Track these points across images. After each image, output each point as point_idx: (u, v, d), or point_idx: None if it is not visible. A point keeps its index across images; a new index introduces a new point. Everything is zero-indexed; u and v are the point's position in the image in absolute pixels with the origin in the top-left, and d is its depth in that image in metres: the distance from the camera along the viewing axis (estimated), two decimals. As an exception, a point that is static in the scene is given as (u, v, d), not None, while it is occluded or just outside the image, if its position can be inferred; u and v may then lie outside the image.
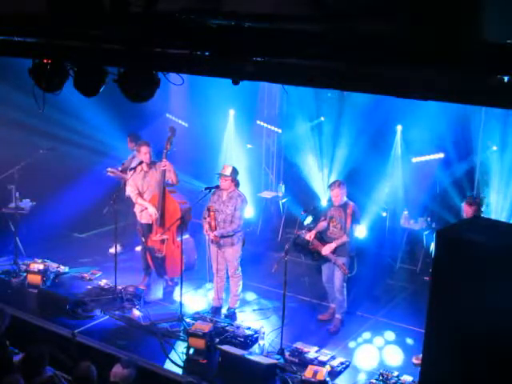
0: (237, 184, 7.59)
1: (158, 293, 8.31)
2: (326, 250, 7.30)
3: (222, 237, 7.50)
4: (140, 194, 8.13)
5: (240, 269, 7.70)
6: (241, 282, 7.77)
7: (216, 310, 7.71)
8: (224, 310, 7.75)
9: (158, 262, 8.13)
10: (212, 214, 7.47)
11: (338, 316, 7.49)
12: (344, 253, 7.31)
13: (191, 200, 8.08)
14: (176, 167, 8.13)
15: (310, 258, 7.71)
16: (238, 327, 7.17)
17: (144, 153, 8.01)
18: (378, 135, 9.43)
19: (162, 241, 8.02)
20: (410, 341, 7.17)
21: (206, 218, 7.54)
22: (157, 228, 8.05)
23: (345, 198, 7.35)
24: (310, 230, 7.49)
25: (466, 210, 6.51)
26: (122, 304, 7.70)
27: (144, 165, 8.06)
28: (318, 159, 10.31)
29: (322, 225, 7.45)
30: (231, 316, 7.63)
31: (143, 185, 8.16)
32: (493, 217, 8.09)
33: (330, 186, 7.40)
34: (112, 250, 9.12)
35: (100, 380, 5.34)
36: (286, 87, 5.22)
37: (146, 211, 8.15)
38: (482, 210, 6.62)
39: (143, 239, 8.26)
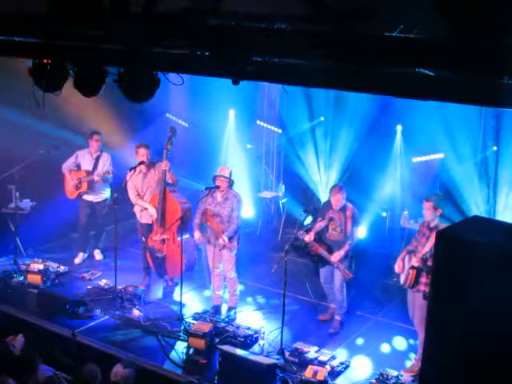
0: (231, 184, 7.61)
1: (158, 293, 8.31)
2: (336, 257, 7.28)
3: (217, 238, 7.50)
4: (139, 195, 8.16)
5: (235, 268, 7.68)
6: (237, 281, 7.76)
7: (217, 309, 7.72)
8: (224, 310, 7.76)
9: (159, 262, 8.13)
10: (211, 218, 7.48)
11: (337, 317, 7.50)
12: (344, 256, 7.33)
13: (191, 200, 8.09)
14: (176, 167, 8.15)
15: (310, 260, 7.70)
16: (238, 327, 7.16)
17: (142, 155, 8.04)
18: (378, 135, 9.42)
19: (163, 240, 8.02)
20: (410, 341, 7.18)
21: (206, 223, 7.54)
22: (157, 228, 8.05)
23: (344, 201, 7.36)
24: (307, 231, 7.47)
25: (425, 207, 6.46)
26: (122, 304, 7.70)
27: (143, 166, 8.08)
28: (318, 159, 10.31)
29: (320, 225, 7.45)
30: (231, 315, 7.64)
31: (143, 186, 8.18)
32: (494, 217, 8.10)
33: (331, 191, 7.39)
34: (98, 257, 9.30)
35: (101, 380, 5.35)
36: (285, 87, 5.22)
37: (146, 211, 8.16)
38: (441, 206, 6.55)
39: (143, 239, 8.27)
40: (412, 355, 6.84)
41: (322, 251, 7.35)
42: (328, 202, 7.50)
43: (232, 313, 7.70)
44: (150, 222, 8.18)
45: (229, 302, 7.81)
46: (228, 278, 7.74)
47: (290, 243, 7.23)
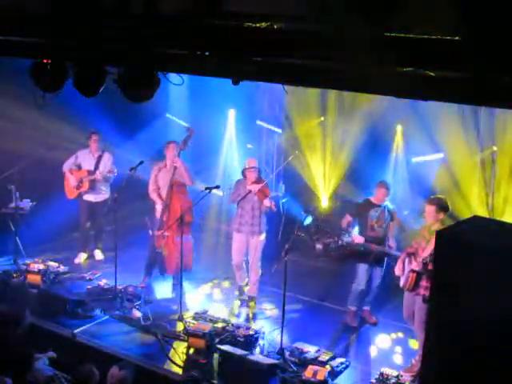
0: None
1: (158, 292, 8.31)
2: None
3: (253, 225, 7.82)
4: (155, 189, 8.31)
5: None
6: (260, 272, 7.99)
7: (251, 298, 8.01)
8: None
9: (160, 259, 8.23)
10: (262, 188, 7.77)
11: (368, 308, 7.71)
12: None
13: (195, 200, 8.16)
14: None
15: (364, 262, 7.52)
16: (238, 327, 7.16)
17: (172, 148, 8.19)
18: (378, 135, 9.43)
19: (164, 238, 8.09)
20: (410, 341, 7.18)
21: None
22: (161, 224, 8.16)
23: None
24: (349, 234, 7.45)
25: (427, 209, 6.49)
26: (122, 304, 7.71)
27: (168, 161, 8.22)
28: (318, 159, 10.30)
29: (347, 222, 7.53)
30: (253, 306, 7.93)
31: (158, 181, 8.31)
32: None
33: (378, 186, 7.49)
34: (98, 257, 9.34)
35: (100, 381, 5.34)
36: (285, 87, 5.22)
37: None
38: (446, 210, 6.49)
39: (150, 232, 8.33)
40: (412, 355, 6.83)
41: (382, 248, 7.40)
42: (366, 201, 7.56)
43: (253, 303, 7.92)
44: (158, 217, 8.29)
45: (250, 291, 7.96)
46: (255, 267, 7.90)
47: (334, 247, 7.35)
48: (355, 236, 7.42)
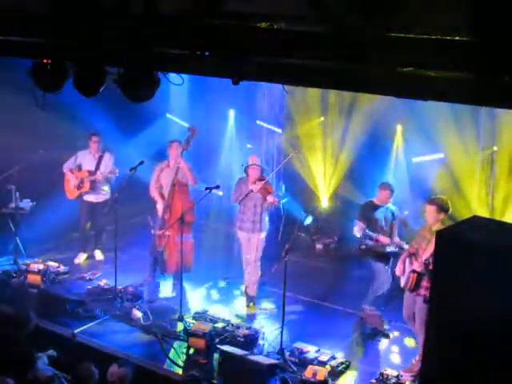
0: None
1: (158, 292, 8.31)
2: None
3: (254, 222, 7.83)
4: (157, 189, 8.31)
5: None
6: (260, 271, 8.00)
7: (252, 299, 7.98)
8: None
9: (161, 258, 8.25)
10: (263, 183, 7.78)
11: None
12: None
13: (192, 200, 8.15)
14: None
15: (384, 262, 7.50)
16: (238, 327, 7.16)
17: (176, 147, 8.18)
18: (378, 135, 9.43)
19: (165, 237, 8.12)
20: (410, 341, 7.18)
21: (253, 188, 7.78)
22: (162, 223, 8.17)
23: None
24: (370, 238, 7.42)
25: (428, 210, 6.48)
26: (122, 304, 7.71)
27: (171, 161, 8.21)
28: (318, 159, 10.31)
29: (361, 228, 7.48)
30: (252, 306, 7.93)
31: (160, 180, 8.31)
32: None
33: (383, 188, 7.47)
34: (98, 257, 9.33)
35: (100, 380, 5.35)
36: (285, 87, 5.23)
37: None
38: (447, 211, 6.47)
39: (152, 231, 8.34)
40: (411, 355, 6.83)
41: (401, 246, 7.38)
42: (369, 202, 7.54)
43: (252, 303, 7.93)
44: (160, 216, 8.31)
45: (250, 290, 7.96)
46: (255, 266, 7.91)
47: (365, 249, 7.37)
48: (380, 236, 7.36)
